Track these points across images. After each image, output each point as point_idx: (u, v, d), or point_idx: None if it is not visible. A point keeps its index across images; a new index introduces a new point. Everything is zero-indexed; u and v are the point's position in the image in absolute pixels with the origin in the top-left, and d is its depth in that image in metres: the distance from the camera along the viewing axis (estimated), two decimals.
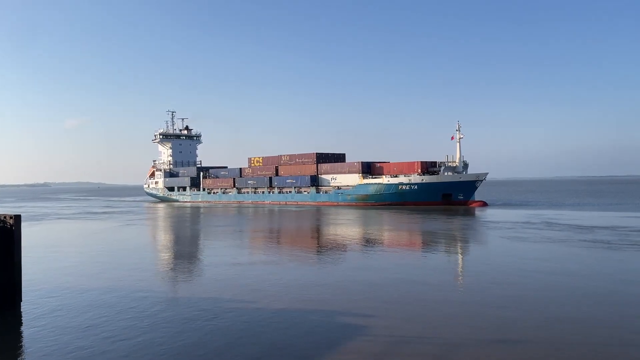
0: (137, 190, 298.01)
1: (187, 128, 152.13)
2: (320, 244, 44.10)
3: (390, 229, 56.10)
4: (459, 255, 36.33)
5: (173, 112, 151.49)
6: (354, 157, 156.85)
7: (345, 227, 57.43)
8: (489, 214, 72.48)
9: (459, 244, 41.93)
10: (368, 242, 43.97)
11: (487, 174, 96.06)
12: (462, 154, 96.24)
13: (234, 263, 32.28)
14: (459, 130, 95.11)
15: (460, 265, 31.72)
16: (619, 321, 18.15)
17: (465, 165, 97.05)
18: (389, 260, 33.33)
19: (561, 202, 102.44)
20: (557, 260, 31.69)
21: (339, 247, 40.79)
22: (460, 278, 27.51)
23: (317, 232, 54.74)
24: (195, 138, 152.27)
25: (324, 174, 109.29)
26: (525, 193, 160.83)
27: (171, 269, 32.23)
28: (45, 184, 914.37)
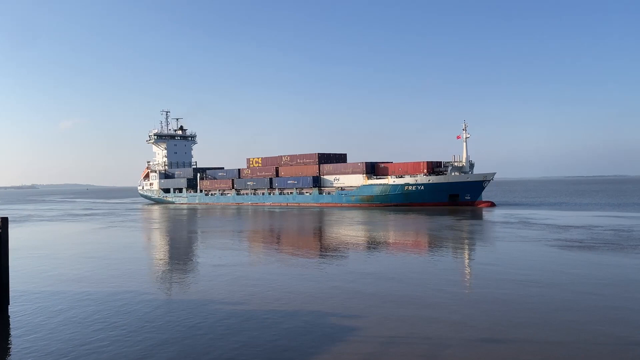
0: (127, 192, 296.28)
1: (181, 128, 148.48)
2: (321, 245, 42.84)
3: (394, 230, 53.86)
4: (460, 257, 34.93)
5: (167, 111, 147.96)
6: (355, 157, 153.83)
7: (348, 229, 55.12)
8: (498, 215, 69.62)
9: (465, 246, 40.34)
10: (369, 244, 42.68)
11: (494, 174, 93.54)
12: (468, 154, 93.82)
13: (228, 264, 31.48)
14: (465, 130, 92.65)
15: (459, 267, 30.73)
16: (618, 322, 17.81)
17: (471, 165, 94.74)
18: (387, 262, 32.10)
19: (561, 202, 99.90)
20: (561, 263, 29.81)
21: (340, 248, 39.51)
22: (458, 279, 26.51)
23: (320, 233, 52.83)
24: (190, 138, 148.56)
25: (327, 174, 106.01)
26: (528, 193, 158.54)
27: (162, 271, 31.34)
28: (32, 186, 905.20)
